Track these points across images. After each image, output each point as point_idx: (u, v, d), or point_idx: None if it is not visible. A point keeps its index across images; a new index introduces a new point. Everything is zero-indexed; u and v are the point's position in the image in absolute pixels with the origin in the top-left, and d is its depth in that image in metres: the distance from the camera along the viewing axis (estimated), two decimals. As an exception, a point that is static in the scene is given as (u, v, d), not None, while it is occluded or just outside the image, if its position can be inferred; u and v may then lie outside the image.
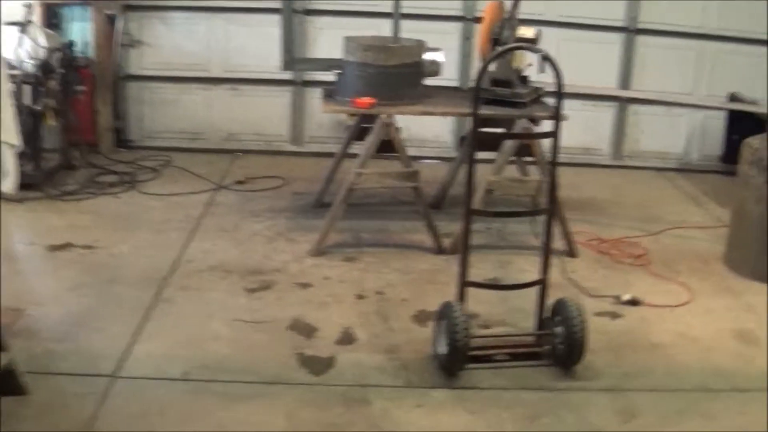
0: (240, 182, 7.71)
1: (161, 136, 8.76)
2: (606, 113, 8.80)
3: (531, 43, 6.04)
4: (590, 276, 5.85)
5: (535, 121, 6.00)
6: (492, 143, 6.16)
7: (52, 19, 8.49)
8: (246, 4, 8.34)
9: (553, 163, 4.49)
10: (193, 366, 4.41)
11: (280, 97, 8.64)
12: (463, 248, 4.43)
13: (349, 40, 6.20)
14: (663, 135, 8.83)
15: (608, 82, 8.66)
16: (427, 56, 6.23)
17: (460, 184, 6.82)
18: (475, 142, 4.43)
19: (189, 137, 8.78)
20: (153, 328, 4.84)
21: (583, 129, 8.47)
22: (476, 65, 8.30)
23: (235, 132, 8.78)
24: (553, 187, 4.58)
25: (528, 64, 6.25)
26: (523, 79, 6.35)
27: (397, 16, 6.29)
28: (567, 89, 4.43)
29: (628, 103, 8.77)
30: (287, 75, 8.42)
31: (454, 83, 8.40)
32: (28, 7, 7.22)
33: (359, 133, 6.54)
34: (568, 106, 4.96)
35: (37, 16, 8.01)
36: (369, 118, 6.02)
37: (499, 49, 5.03)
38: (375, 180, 5.82)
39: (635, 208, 7.53)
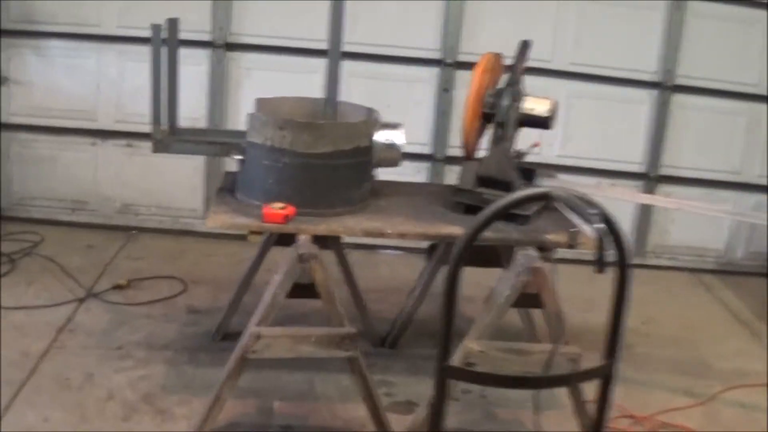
0: (119, 287, 5.44)
1: (34, 205, 6.51)
2: (627, 196, 6.56)
3: (545, 122, 3.87)
4: None
5: (545, 248, 3.78)
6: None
7: None
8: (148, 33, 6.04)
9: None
10: None
11: (191, 158, 6.29)
12: None
13: (257, 105, 3.97)
14: (700, 226, 6.59)
15: (632, 155, 6.47)
16: (381, 137, 3.99)
17: (426, 315, 4.68)
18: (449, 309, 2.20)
19: (70, 207, 6.53)
20: None
21: (596, 216, 6.23)
22: (457, 132, 6.13)
23: (130, 202, 6.52)
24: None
25: (533, 145, 4.08)
26: (528, 173, 4.13)
27: (333, 66, 4.01)
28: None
29: (657, 182, 6.53)
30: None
31: (425, 149, 6.19)
32: None
33: (280, 239, 4.32)
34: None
35: None
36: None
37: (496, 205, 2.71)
38: (284, 347, 3.57)
39: (672, 345, 5.33)
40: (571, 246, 3.85)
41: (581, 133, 6.27)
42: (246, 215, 3.75)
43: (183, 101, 5.91)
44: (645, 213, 6.63)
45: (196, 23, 5.97)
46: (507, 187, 3.98)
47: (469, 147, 4.06)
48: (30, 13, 6.11)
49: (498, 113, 3.93)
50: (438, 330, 2.48)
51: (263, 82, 6.13)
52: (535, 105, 3.95)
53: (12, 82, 6.27)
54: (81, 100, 6.29)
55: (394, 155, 4.01)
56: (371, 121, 3.97)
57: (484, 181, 4.01)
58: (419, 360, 4.76)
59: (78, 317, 5.00)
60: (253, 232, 3.70)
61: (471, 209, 4.01)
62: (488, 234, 3.66)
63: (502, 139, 3.94)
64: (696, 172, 6.51)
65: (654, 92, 6.36)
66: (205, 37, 6.15)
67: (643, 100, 6.39)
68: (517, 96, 3.96)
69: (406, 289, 5.03)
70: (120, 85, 6.26)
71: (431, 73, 6.29)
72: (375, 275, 5.87)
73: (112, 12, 6.10)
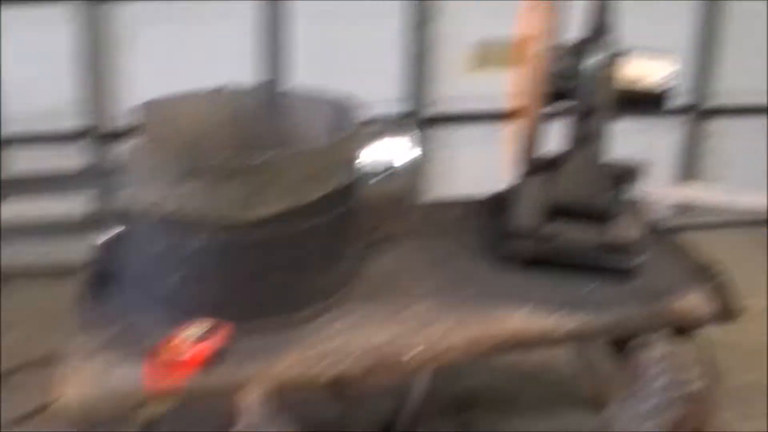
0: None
1: None
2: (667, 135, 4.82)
3: (656, 101, 2.04)
4: None
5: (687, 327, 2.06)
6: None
7: None
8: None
9: None
10: None
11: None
12: None
13: (138, 119, 2.13)
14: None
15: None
16: (376, 152, 2.15)
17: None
18: None
19: None
20: None
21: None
22: (440, 81, 4.38)
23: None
24: None
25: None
26: (619, 180, 2.34)
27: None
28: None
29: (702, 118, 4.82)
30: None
31: (395, 107, 4.39)
32: None
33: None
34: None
35: None
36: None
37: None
38: None
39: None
40: (728, 318, 2.12)
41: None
42: (132, 363, 1.88)
43: (41, 88, 4.11)
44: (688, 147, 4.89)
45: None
46: (599, 217, 2.20)
47: (530, 153, 2.23)
48: None
49: (580, 93, 2.09)
50: None
51: (160, 45, 4.23)
52: (644, 70, 2.12)
53: None
54: None
55: (403, 189, 2.17)
56: (353, 136, 2.10)
57: (560, 211, 2.21)
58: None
59: None
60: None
61: (537, 260, 2.24)
62: (584, 319, 1.90)
63: (589, 139, 2.12)
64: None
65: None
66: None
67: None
68: (611, 55, 2.12)
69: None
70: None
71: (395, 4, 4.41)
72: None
73: None
